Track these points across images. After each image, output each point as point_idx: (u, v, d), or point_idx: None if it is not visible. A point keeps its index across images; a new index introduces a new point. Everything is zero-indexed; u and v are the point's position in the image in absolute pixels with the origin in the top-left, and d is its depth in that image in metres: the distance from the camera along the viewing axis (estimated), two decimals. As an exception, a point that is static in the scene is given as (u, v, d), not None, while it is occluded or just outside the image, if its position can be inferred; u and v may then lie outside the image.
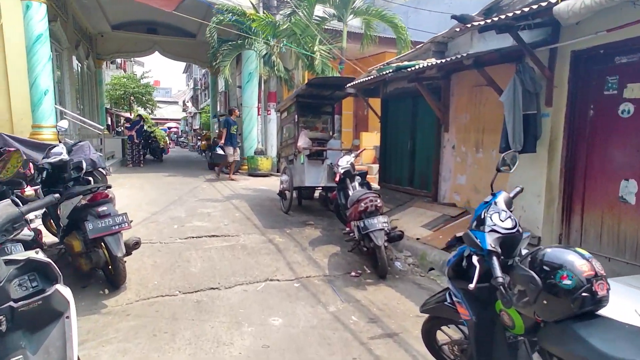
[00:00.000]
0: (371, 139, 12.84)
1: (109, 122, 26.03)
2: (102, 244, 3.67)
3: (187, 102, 47.48)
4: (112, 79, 24.83)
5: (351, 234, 5.09)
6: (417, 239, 5.24)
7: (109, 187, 3.93)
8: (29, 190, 4.68)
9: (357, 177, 5.41)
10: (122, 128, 16.21)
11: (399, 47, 9.29)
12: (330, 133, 7.34)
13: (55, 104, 12.44)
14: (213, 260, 4.64)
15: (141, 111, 27.38)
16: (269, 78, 12.15)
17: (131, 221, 4.36)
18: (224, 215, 6.72)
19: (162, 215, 6.62)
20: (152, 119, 29.85)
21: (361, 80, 6.28)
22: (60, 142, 6.47)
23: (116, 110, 23.49)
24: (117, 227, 3.58)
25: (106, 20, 17.81)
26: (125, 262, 4.03)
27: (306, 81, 7.98)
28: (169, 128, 52.78)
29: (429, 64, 4.92)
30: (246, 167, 12.18)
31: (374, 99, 8.33)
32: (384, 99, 7.84)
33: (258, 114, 12.18)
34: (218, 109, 21.16)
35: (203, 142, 20.94)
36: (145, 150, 15.95)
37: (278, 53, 9.46)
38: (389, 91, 7.64)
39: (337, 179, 5.17)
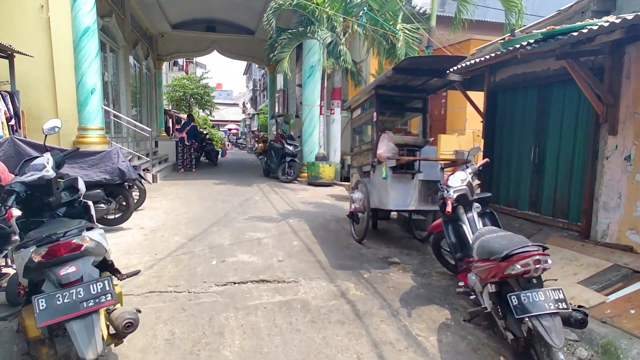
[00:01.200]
0: (450, 143, 10.80)
1: (170, 124, 26.02)
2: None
3: (246, 103, 47.61)
4: (173, 80, 24.69)
5: (472, 296, 3.24)
6: (580, 307, 3.25)
7: (90, 228, 2.41)
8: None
9: (476, 205, 3.53)
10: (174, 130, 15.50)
11: (507, 22, 7.18)
12: (421, 136, 5.49)
13: (108, 105, 11.77)
14: (259, 335, 3.01)
15: (201, 113, 27.09)
16: (333, 72, 10.52)
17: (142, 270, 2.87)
18: (279, 245, 5.13)
19: (201, 242, 5.17)
20: (212, 120, 29.54)
21: (475, 60, 4.38)
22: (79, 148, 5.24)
23: (175, 112, 23.25)
24: (90, 303, 2.04)
25: (166, 20, 17.27)
26: (122, 342, 2.53)
27: (385, 70, 6.24)
28: (229, 130, 53.46)
29: (615, 21, 2.93)
30: (305, 174, 10.63)
31: (468, 92, 6.36)
32: (490, 91, 5.83)
33: (320, 114, 10.59)
34: (276, 109, 19.95)
35: (260, 145, 19.83)
36: (199, 153, 15.03)
37: (351, 34, 7.74)
38: (499, 80, 5.63)
39: (448, 208, 3.33)
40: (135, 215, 6.36)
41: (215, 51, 19.92)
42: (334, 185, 10.30)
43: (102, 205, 5.27)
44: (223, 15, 18.15)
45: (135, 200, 6.90)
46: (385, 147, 4.88)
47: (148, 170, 10.02)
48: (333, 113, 10.81)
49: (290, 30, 9.72)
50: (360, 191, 5.40)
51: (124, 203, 5.63)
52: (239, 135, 48.38)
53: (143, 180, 6.87)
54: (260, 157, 19.29)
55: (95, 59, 9.09)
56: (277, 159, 10.86)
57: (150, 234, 5.43)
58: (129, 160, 6.72)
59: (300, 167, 10.77)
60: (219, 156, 21.83)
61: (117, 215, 5.63)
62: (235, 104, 59.33)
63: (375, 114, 5.16)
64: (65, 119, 9.25)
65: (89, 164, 5.21)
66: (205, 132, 17.87)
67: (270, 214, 6.93)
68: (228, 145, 44.59)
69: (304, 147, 10.84)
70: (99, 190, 5.36)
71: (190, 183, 10.11)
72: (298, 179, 10.71)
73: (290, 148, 10.50)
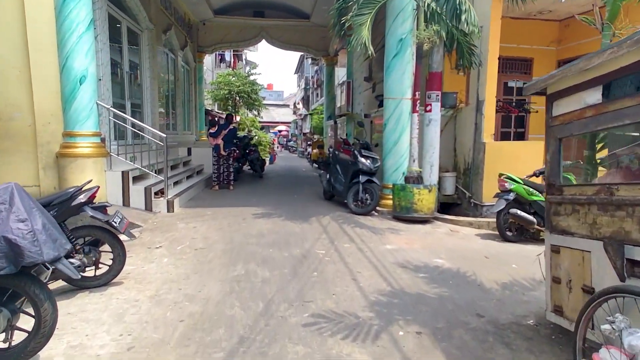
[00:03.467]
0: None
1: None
2: None
3: (297, 103, 44.95)
4: (218, 76, 22.16)
5: None
6: None
7: None
8: None
9: None
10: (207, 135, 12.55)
11: None
12: None
13: (123, 101, 8.99)
14: None
15: (249, 114, 24.36)
16: (432, 49, 6.95)
17: None
18: None
19: None
20: (260, 122, 26.73)
21: None
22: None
23: (218, 113, 20.67)
24: None
25: (207, 3, 14.51)
26: None
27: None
28: (279, 131, 51.14)
29: None
30: (389, 201, 7.15)
31: None
32: None
33: (414, 111, 7.05)
34: (337, 108, 16.44)
35: (314, 151, 16.63)
36: (240, 163, 12.01)
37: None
38: None
39: None
40: (92, 306, 3.24)
41: (263, 40, 17.01)
42: (433, 222, 6.72)
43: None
44: (273, -5, 15.21)
45: (107, 269, 3.81)
46: None
47: (162, 193, 7.02)
48: (430, 110, 7.23)
49: (371, -17, 6.29)
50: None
51: (34, 313, 2.46)
52: (289, 137, 45.89)
53: (119, 232, 3.74)
54: (316, 165, 15.94)
55: (87, 32, 6.22)
56: (346, 177, 7.44)
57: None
58: (90, 198, 3.61)
59: (381, 191, 7.28)
60: (267, 163, 18.93)
61: (14, 342, 2.46)
62: (286, 105, 57.21)
63: None
64: (44, 120, 6.41)
65: None
66: (250, 135, 14.86)
67: (351, 304, 3.52)
68: (277, 147, 42.15)
69: (385, 160, 7.36)
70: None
71: (220, 213, 6.96)
72: (377, 208, 7.22)
73: (367, 163, 7.05)
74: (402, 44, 6.99)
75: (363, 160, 7.07)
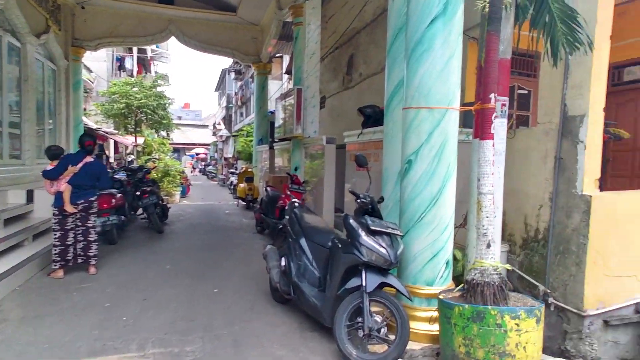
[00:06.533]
0: None
1: (107, 152, 18.02)
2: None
3: (218, 124, 40.17)
4: (112, 85, 17.01)
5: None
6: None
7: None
8: None
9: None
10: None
11: None
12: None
13: None
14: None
15: (156, 136, 19.14)
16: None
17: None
18: None
19: None
20: (172, 144, 21.39)
21: None
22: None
23: (105, 133, 15.46)
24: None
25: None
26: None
27: None
28: (197, 154, 45.70)
29: None
30: (419, 321, 3.34)
31: None
32: None
33: (484, 135, 3.39)
34: (278, 128, 12.21)
35: (242, 185, 12.39)
36: (124, 215, 7.38)
37: None
38: None
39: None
40: None
41: (173, 37, 12.69)
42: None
43: None
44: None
45: None
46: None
47: None
48: (491, 136, 3.66)
49: None
50: None
51: None
52: (209, 161, 40.79)
53: None
54: (243, 203, 11.67)
55: None
56: (331, 272, 3.48)
57: None
58: None
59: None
60: (178, 198, 14.31)
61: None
62: (205, 126, 52.14)
63: None
64: None
65: None
66: (147, 167, 10.10)
67: None
68: (192, 172, 36.71)
69: (408, 236, 3.57)
70: None
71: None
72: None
73: (380, 248, 3.15)
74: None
75: (370, 242, 3.19)
